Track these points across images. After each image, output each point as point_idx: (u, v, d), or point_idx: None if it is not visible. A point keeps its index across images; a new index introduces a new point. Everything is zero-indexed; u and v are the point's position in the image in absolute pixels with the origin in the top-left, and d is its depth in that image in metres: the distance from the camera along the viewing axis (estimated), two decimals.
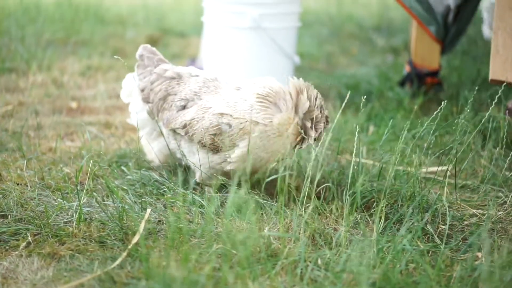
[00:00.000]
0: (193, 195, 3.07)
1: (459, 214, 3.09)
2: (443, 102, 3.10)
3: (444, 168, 3.35)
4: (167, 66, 3.41)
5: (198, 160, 3.19)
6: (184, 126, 3.19)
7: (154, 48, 3.49)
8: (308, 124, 3.09)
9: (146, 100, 3.38)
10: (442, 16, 4.76)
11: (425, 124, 3.25)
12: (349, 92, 3.25)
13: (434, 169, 3.49)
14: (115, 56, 3.57)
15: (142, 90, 3.40)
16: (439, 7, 4.73)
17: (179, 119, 3.21)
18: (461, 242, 2.86)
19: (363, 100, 3.11)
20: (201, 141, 3.12)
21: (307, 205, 2.98)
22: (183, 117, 3.20)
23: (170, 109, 3.27)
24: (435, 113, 3.14)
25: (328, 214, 3.06)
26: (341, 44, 7.70)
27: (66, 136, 4.20)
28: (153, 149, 3.45)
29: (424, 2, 4.70)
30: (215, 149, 3.12)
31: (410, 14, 4.73)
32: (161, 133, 3.37)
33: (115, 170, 3.50)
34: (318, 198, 3.20)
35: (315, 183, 2.91)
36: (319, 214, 3.05)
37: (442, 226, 2.97)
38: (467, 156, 3.53)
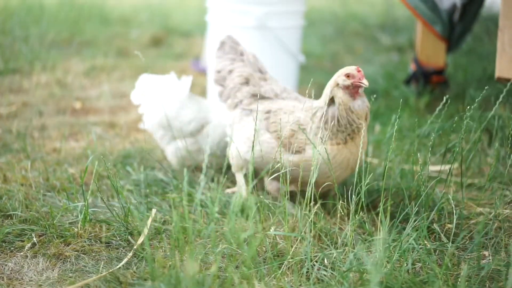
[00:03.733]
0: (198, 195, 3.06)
1: (465, 213, 3.07)
2: (445, 98, 3.08)
3: (450, 166, 3.34)
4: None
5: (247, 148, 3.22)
6: (268, 112, 3.18)
7: (237, 40, 3.57)
8: None
9: (219, 82, 3.41)
10: (447, 14, 4.74)
11: (429, 122, 3.23)
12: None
13: (440, 167, 3.47)
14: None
15: (219, 72, 3.43)
16: (444, 4, 4.71)
17: (264, 104, 3.23)
18: (468, 241, 2.85)
19: (372, 99, 3.08)
20: (278, 131, 3.11)
21: (312, 204, 2.97)
22: (270, 104, 3.21)
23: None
24: (437, 109, 3.12)
25: (334, 214, 3.05)
26: (346, 42, 7.68)
27: (70, 137, 4.20)
28: (168, 153, 3.47)
29: (429, 1, 4.68)
30: (286, 145, 3.09)
31: (415, 14, 4.71)
32: (174, 137, 3.46)
33: (120, 171, 3.49)
34: (324, 197, 3.19)
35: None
36: (328, 213, 3.04)
37: (448, 225, 2.96)
38: (473, 154, 3.52)
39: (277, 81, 3.39)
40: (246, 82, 3.33)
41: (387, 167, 2.84)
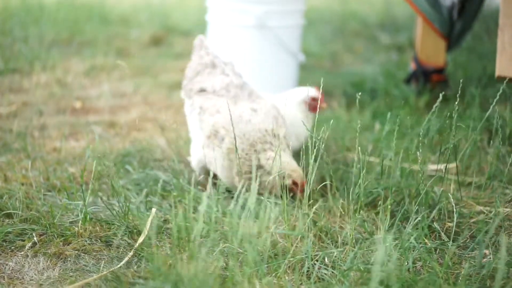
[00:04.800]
0: (199, 193, 3.06)
1: (466, 212, 3.07)
2: (440, 95, 3.07)
3: (450, 165, 3.34)
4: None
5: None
6: (201, 108, 3.25)
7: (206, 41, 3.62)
8: None
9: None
10: (447, 10, 4.72)
11: (426, 120, 3.23)
12: (355, 90, 3.23)
13: (440, 166, 3.47)
14: (118, 61, 3.56)
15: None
16: (446, 1, 4.70)
17: (201, 100, 3.30)
18: (468, 240, 2.85)
19: (358, 96, 3.08)
20: (203, 128, 3.22)
21: (311, 203, 2.97)
22: (202, 102, 3.28)
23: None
24: (434, 106, 3.12)
25: (333, 212, 3.05)
26: (345, 42, 7.68)
27: (70, 136, 4.20)
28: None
29: None
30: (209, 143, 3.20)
31: (415, 10, 4.71)
32: None
33: (121, 170, 3.49)
34: (324, 196, 3.19)
35: (310, 179, 2.89)
36: (329, 212, 3.04)
37: (449, 224, 2.96)
38: (473, 153, 3.51)
39: (226, 76, 3.40)
40: (197, 74, 3.42)
41: (384, 165, 2.85)
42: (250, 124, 3.10)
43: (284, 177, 3.05)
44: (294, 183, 3.07)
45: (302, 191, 3.01)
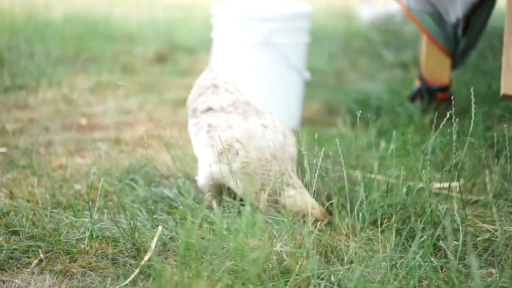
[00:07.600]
0: (204, 210, 3.06)
1: (472, 230, 3.07)
2: (451, 115, 3.08)
3: (456, 183, 3.33)
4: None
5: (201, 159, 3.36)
6: (210, 125, 3.26)
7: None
8: None
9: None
10: (452, 27, 4.73)
11: (433, 138, 3.23)
12: (360, 108, 3.23)
13: (445, 184, 3.47)
14: (119, 83, 3.57)
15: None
16: (451, 18, 4.70)
17: (208, 118, 3.31)
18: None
19: (359, 113, 3.10)
20: (213, 145, 3.22)
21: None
22: (210, 119, 3.30)
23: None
24: (441, 125, 3.12)
25: (340, 230, 3.05)
26: (350, 59, 7.69)
27: (76, 153, 4.21)
28: None
29: (434, 13, 4.68)
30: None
31: (420, 27, 4.72)
32: None
33: (126, 187, 3.49)
34: (329, 214, 3.19)
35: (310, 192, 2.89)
36: (334, 230, 3.04)
37: (455, 242, 2.95)
38: (478, 171, 3.51)
39: (230, 94, 3.43)
40: (200, 95, 3.46)
41: (391, 183, 2.85)
42: (265, 140, 3.13)
43: (305, 216, 3.05)
44: (316, 220, 3.07)
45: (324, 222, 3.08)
